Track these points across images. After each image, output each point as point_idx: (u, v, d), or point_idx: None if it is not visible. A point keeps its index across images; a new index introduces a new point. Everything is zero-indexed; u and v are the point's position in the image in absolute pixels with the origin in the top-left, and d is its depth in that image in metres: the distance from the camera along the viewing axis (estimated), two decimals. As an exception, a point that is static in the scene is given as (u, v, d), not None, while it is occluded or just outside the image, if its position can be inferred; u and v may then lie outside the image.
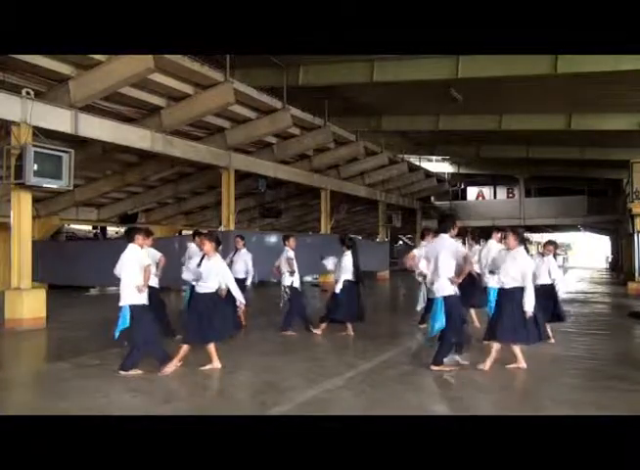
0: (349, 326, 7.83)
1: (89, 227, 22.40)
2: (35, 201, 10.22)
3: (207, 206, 18.46)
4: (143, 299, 5.54)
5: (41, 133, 8.37)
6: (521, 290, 5.43)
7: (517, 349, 5.66)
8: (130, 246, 5.64)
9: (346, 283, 7.63)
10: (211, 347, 5.65)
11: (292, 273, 8.09)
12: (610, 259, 32.91)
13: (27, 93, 8.24)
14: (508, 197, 29.59)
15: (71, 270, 11.90)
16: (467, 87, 12.60)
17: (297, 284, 8.15)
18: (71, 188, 9.05)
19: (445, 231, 5.83)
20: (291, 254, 8.19)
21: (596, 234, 37.59)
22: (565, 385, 5.25)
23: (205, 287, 5.60)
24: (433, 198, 29.33)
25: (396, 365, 5.97)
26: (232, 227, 12.36)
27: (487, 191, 30.88)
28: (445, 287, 5.58)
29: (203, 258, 5.63)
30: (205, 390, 5.09)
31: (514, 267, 5.50)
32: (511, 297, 5.49)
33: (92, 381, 5.27)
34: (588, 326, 8.93)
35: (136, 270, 5.51)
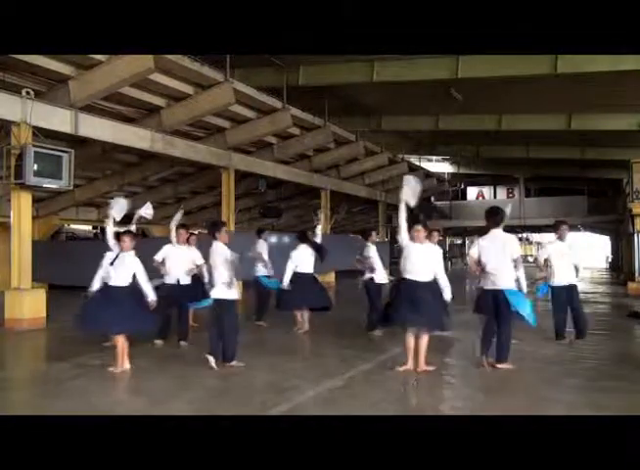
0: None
1: (89, 227, 22.40)
2: (35, 201, 10.23)
3: (207, 206, 18.46)
4: (232, 294, 5.69)
5: (41, 133, 8.37)
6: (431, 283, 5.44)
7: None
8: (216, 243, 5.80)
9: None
10: (121, 344, 5.59)
11: (372, 270, 7.99)
12: (610, 259, 32.88)
13: (27, 93, 8.23)
14: (508, 197, 29.58)
15: (71, 270, 11.88)
16: (467, 87, 12.59)
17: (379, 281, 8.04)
18: (71, 188, 9.06)
19: (499, 225, 5.68)
20: (371, 251, 8.10)
21: (596, 234, 37.56)
22: (565, 385, 5.24)
23: (118, 281, 5.66)
24: (433, 198, 29.34)
25: (397, 365, 5.96)
26: (232, 227, 12.35)
27: (487, 191, 30.89)
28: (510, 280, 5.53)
29: (117, 257, 5.70)
30: (205, 390, 5.09)
31: (425, 261, 5.46)
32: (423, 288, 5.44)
33: (92, 381, 5.27)
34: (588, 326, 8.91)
35: (220, 266, 5.67)
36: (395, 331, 8.63)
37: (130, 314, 5.58)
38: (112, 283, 5.68)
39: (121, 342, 5.61)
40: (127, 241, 5.74)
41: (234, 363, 5.75)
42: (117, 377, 5.45)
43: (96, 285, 5.89)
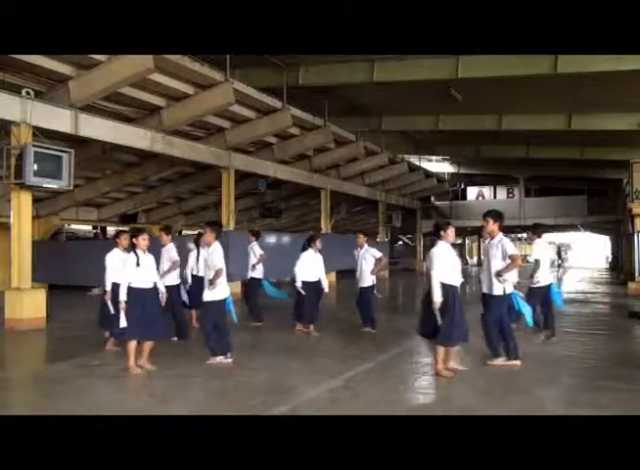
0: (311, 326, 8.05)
1: (89, 227, 22.40)
2: (35, 201, 10.21)
3: (207, 206, 18.46)
4: (208, 296, 5.73)
5: (41, 133, 8.36)
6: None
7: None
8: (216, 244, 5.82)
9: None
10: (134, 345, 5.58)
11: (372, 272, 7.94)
12: (610, 259, 32.90)
13: (27, 93, 8.23)
14: (508, 197, 29.61)
15: (71, 270, 11.89)
16: (467, 87, 12.60)
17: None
18: (71, 188, 9.05)
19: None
20: (376, 252, 7.95)
21: (596, 234, 37.57)
22: (564, 385, 5.25)
23: (148, 282, 5.64)
24: (433, 198, 29.34)
25: (396, 365, 5.97)
26: (232, 227, 12.36)
27: (487, 191, 30.91)
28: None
29: (139, 258, 5.54)
30: (205, 390, 5.09)
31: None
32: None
33: (92, 381, 5.27)
34: (588, 326, 8.92)
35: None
36: (395, 331, 8.65)
37: (149, 320, 5.57)
38: (139, 285, 5.53)
39: (134, 343, 5.59)
40: (147, 239, 5.64)
41: (218, 359, 5.82)
42: (117, 377, 5.45)
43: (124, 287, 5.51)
